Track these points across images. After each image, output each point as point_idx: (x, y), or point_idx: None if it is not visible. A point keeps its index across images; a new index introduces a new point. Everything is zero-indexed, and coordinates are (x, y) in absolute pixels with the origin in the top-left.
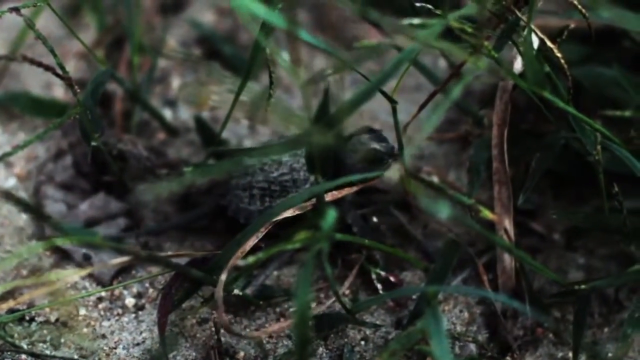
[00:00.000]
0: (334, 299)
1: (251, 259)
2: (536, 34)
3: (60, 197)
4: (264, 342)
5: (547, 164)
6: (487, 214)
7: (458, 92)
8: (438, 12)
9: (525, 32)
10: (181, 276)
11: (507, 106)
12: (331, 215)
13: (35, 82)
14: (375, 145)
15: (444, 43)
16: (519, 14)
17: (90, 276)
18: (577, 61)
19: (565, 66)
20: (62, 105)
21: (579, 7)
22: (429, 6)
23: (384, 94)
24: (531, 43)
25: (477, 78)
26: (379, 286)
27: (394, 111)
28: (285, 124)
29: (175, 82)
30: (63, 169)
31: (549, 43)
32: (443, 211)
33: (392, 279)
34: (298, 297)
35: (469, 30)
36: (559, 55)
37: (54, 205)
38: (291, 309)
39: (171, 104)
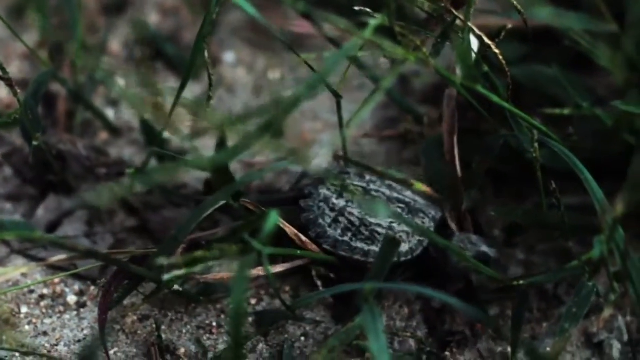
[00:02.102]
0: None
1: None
2: (474, 32)
3: (11, 209)
4: (205, 338)
5: (487, 164)
6: (420, 186)
7: (389, 82)
8: (376, 14)
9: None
10: (122, 273)
11: (454, 113)
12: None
13: None
14: (485, 249)
15: (380, 39)
16: (456, 13)
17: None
18: (517, 60)
19: (504, 64)
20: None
21: (518, 6)
22: (367, 9)
23: (329, 87)
24: (464, 39)
25: (417, 77)
26: (319, 283)
27: (338, 105)
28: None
29: (119, 83)
30: (5, 181)
31: (487, 41)
32: (382, 213)
33: (332, 276)
34: (234, 294)
35: (403, 31)
36: (497, 53)
37: (10, 218)
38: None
39: (114, 104)
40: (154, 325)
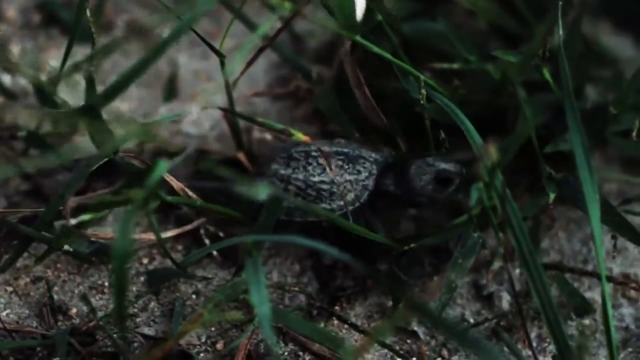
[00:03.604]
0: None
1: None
2: None
3: None
4: (97, 298)
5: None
6: (299, 136)
7: (266, 27)
8: None
9: None
10: (12, 234)
11: (354, 67)
12: (160, 169)
13: None
14: (444, 166)
15: None
16: None
17: None
18: (407, 17)
19: (394, 19)
20: None
21: None
22: None
23: (211, 47)
24: None
25: (312, 36)
26: (207, 241)
27: (222, 65)
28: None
29: (15, 48)
30: None
31: None
32: (262, 193)
33: (221, 234)
34: (116, 248)
35: None
36: (385, 8)
37: None
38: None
39: (10, 69)
40: (47, 287)
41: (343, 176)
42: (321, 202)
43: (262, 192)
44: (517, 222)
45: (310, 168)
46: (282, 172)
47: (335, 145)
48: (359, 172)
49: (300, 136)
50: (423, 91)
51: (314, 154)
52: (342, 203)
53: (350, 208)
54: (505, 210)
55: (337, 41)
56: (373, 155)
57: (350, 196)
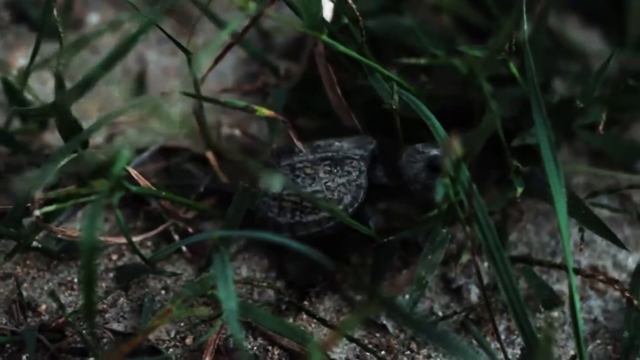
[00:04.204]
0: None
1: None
2: None
3: None
4: (67, 294)
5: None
6: (263, 111)
7: (234, 25)
8: None
9: None
10: None
11: (327, 68)
12: (123, 159)
13: None
14: (436, 152)
15: None
16: None
17: None
18: (374, 12)
19: (359, 16)
20: None
21: None
22: None
23: (177, 44)
24: None
25: (279, 32)
26: (177, 237)
27: (189, 62)
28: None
29: None
30: None
31: None
32: (276, 184)
33: (190, 229)
34: (83, 240)
35: None
36: (351, 4)
37: None
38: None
39: None
40: (16, 283)
41: (335, 181)
42: (320, 211)
43: (276, 183)
44: (483, 217)
45: (299, 180)
46: (273, 190)
47: (318, 152)
48: (349, 173)
49: (263, 111)
50: (395, 96)
51: (299, 165)
52: (340, 207)
53: (351, 210)
54: (471, 204)
55: (304, 37)
56: (357, 152)
57: (347, 198)
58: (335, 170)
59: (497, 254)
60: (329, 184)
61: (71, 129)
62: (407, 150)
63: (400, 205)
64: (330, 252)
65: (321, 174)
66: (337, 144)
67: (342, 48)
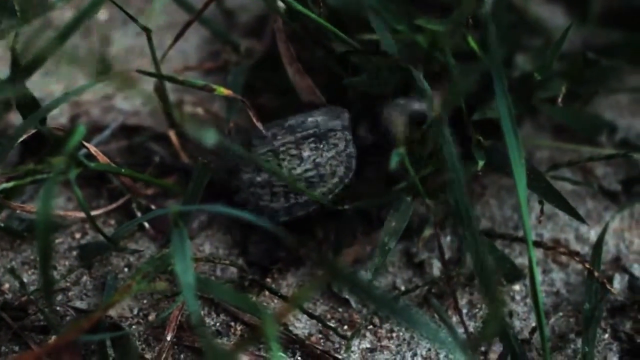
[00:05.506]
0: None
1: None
2: None
3: None
4: (30, 273)
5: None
6: (221, 91)
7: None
8: None
9: None
10: None
11: (287, 43)
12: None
13: None
14: (417, 106)
15: None
16: None
17: None
18: None
19: None
20: None
21: None
22: None
23: (136, 21)
24: None
25: (242, 10)
26: (139, 214)
27: (149, 39)
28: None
29: None
30: None
31: None
32: (209, 138)
33: (153, 207)
34: (39, 214)
35: None
36: None
37: None
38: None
39: None
40: None
41: (323, 155)
42: (315, 188)
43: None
44: (458, 184)
45: (285, 163)
46: (259, 179)
47: (297, 131)
48: (336, 145)
49: (222, 90)
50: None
51: (282, 149)
52: (336, 180)
53: (347, 181)
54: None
55: (267, 15)
56: (337, 122)
57: (341, 170)
58: (321, 146)
59: (467, 222)
60: (317, 160)
61: (30, 106)
62: (387, 107)
63: (364, 181)
64: (296, 228)
65: (307, 152)
66: (310, 119)
67: (300, 7)
